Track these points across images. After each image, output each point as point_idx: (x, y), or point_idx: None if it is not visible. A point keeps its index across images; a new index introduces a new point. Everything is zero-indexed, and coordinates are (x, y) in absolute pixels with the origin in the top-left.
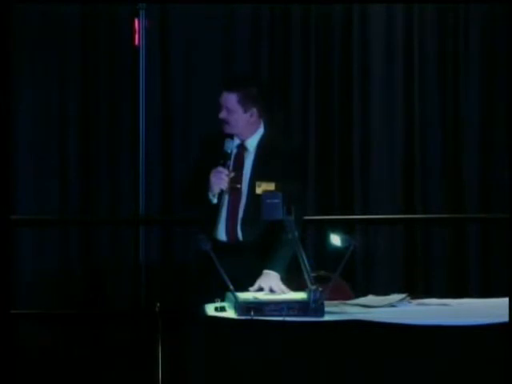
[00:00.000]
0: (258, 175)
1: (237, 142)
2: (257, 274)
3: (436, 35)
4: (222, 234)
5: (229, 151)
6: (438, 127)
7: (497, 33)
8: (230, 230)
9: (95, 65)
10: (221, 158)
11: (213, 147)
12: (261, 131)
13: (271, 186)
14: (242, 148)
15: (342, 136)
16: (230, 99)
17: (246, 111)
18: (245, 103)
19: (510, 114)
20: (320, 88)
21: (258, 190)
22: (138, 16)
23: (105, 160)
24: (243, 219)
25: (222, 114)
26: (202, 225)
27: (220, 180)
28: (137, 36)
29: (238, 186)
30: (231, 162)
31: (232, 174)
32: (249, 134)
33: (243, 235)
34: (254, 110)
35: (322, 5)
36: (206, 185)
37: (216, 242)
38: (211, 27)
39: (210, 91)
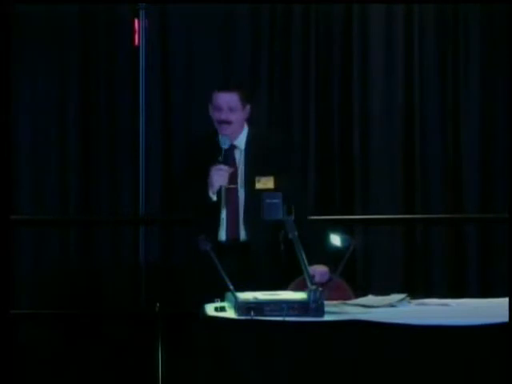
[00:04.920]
0: (252, 172)
1: (228, 143)
2: (260, 275)
3: (436, 35)
4: (222, 235)
5: (225, 147)
6: (438, 127)
7: (497, 33)
8: (230, 230)
9: (95, 65)
10: (213, 157)
11: (203, 148)
12: (246, 129)
13: (270, 181)
14: (232, 148)
15: (342, 136)
16: (233, 98)
17: (243, 109)
18: (243, 101)
19: (511, 114)
20: (320, 88)
21: (258, 185)
22: (138, 16)
23: (105, 160)
24: (246, 218)
25: (225, 115)
26: (205, 228)
27: (221, 177)
28: (137, 36)
29: (234, 186)
30: (228, 159)
31: (231, 170)
32: (239, 132)
33: (247, 234)
34: (248, 108)
35: (322, 4)
36: (203, 186)
37: (218, 244)
38: (211, 27)
39: (209, 91)
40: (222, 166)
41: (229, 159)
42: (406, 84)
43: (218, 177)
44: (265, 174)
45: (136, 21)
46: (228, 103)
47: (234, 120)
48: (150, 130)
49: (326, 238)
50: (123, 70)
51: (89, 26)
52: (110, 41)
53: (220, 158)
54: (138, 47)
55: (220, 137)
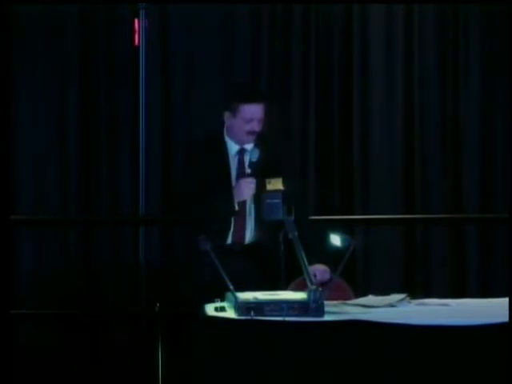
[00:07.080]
0: (259, 174)
1: (237, 147)
2: (260, 275)
3: (436, 35)
4: (228, 239)
5: (254, 160)
6: (437, 127)
7: (497, 33)
8: (237, 235)
9: (95, 65)
10: (217, 157)
11: (206, 149)
12: None
13: (279, 182)
14: (242, 151)
15: (342, 136)
16: (261, 110)
17: None
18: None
19: (511, 114)
20: (320, 88)
21: (269, 187)
22: (138, 16)
23: (105, 160)
24: (259, 220)
25: (257, 126)
26: (216, 231)
27: (250, 190)
28: (137, 36)
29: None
30: (249, 170)
31: (254, 181)
32: None
33: (259, 235)
34: None
35: (322, 4)
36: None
37: (223, 246)
38: (211, 27)
39: (210, 91)
40: (251, 179)
41: (257, 172)
42: (406, 84)
43: (249, 190)
44: (269, 175)
45: (136, 21)
46: (258, 114)
47: (259, 130)
48: (150, 130)
49: (326, 238)
50: (123, 70)
51: (89, 26)
52: (110, 41)
53: (248, 171)
54: (138, 47)
55: (250, 150)
